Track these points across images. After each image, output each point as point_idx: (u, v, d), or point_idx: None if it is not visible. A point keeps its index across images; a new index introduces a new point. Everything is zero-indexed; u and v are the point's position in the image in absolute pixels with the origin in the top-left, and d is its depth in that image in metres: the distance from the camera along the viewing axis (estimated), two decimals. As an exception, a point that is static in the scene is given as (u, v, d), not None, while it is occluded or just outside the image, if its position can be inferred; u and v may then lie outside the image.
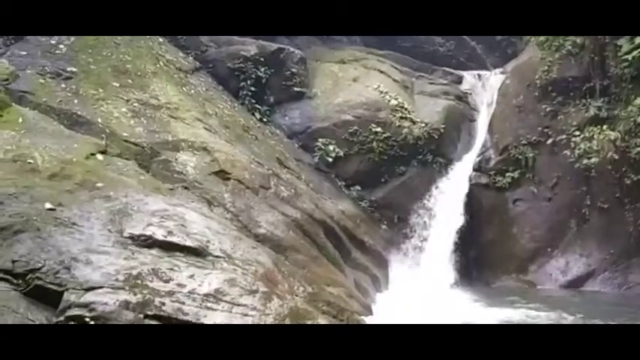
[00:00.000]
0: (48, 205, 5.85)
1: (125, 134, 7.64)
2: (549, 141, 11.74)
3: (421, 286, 10.56)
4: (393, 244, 11.61)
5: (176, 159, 7.92)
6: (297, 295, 7.05)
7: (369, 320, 7.88)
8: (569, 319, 8.48)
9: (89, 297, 5.28)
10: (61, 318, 5.12)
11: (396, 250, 11.55)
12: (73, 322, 5.10)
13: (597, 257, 11.47)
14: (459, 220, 11.54)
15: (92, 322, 5.12)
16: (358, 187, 11.79)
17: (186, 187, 7.70)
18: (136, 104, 8.14)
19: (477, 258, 11.91)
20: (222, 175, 8.26)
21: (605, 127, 10.87)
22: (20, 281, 5.19)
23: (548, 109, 11.81)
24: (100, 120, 7.60)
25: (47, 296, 5.19)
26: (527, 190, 11.92)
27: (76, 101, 7.60)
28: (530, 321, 8.47)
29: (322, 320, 6.70)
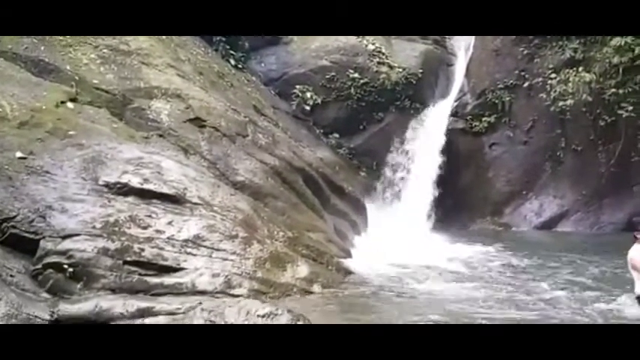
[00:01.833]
0: (19, 154, 5.73)
1: (95, 81, 7.42)
2: (526, 84, 11.77)
3: (399, 230, 10.72)
4: (372, 190, 11.71)
5: (149, 107, 7.74)
6: (276, 240, 7.12)
7: (348, 263, 8.00)
8: (523, 255, 8.79)
9: (66, 244, 5.27)
10: (39, 266, 5.12)
11: (375, 195, 11.66)
12: (51, 270, 5.11)
13: (570, 198, 11.75)
14: (436, 165, 11.64)
15: (71, 269, 5.13)
16: (336, 135, 11.76)
17: (161, 135, 7.57)
18: (105, 50, 7.87)
19: (454, 202, 12.08)
20: (198, 122, 8.13)
21: (580, 69, 10.92)
22: (-5, 231, 5.15)
23: (525, 52, 11.79)
24: (68, 67, 7.35)
25: (24, 245, 5.17)
26: (503, 135, 12.04)
27: (42, 48, 7.32)
28: (501, 255, 8.74)
29: (302, 263, 6.81)
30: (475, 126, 12.03)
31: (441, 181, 11.61)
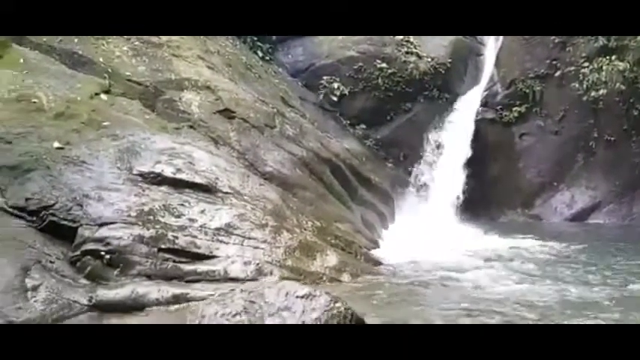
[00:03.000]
0: (56, 144, 5.86)
1: (128, 73, 7.55)
2: (557, 73, 11.55)
3: (427, 221, 10.67)
4: (399, 182, 11.66)
5: (180, 98, 7.84)
6: (305, 230, 7.16)
7: (376, 253, 8.01)
8: (572, 249, 8.62)
9: (103, 232, 5.38)
10: (77, 252, 5.24)
11: (402, 187, 11.61)
12: (89, 257, 5.23)
13: (603, 190, 11.53)
14: (464, 156, 11.53)
15: (108, 256, 5.24)
16: (363, 126, 11.72)
17: (191, 126, 7.67)
18: (137, 43, 7.99)
19: (483, 193, 11.95)
20: (227, 113, 8.21)
21: (613, 57, 10.67)
22: (34, 218, 5.28)
23: (556, 41, 11.55)
24: (101, 59, 7.48)
25: (62, 232, 5.29)
26: (533, 125, 11.85)
27: (76, 40, 7.46)
28: (534, 250, 8.62)
29: (330, 252, 6.84)
30: (505, 116, 11.86)
31: (470, 173, 11.50)
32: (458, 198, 11.50)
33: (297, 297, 2.73)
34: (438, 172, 11.74)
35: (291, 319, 2.63)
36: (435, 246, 8.65)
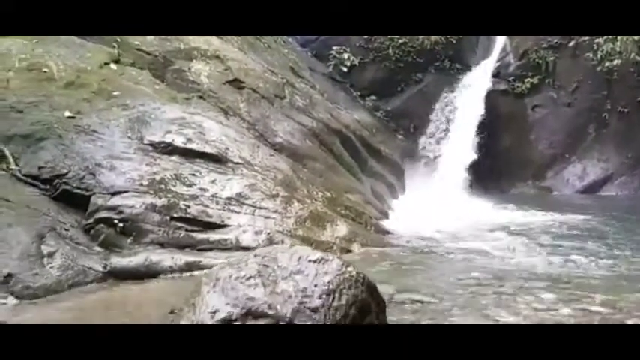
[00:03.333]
0: (67, 113, 5.88)
1: (137, 43, 7.51)
2: (571, 44, 11.38)
3: (436, 193, 10.67)
4: (409, 153, 11.64)
5: (189, 68, 7.81)
6: (316, 200, 7.19)
7: (386, 224, 8.03)
8: (580, 218, 8.59)
9: (116, 201, 5.43)
10: (91, 221, 5.30)
11: (412, 158, 11.60)
12: (102, 225, 5.29)
13: (615, 162, 11.44)
14: (475, 128, 11.45)
15: (121, 224, 5.30)
16: (374, 97, 11.65)
17: (201, 97, 7.65)
18: (146, 12, 7.93)
19: (494, 166, 11.92)
20: (237, 84, 8.17)
21: (630, 26, 10.44)
22: (48, 186, 5.34)
23: (571, 10, 11.31)
24: (110, 29, 7.45)
25: (76, 200, 5.34)
26: (546, 96, 11.72)
27: (85, 10, 7.42)
28: (543, 221, 8.61)
29: (341, 223, 6.86)
30: (517, 87, 11.74)
31: (481, 144, 11.45)
32: (468, 170, 11.47)
33: (309, 261, 2.74)
34: (448, 143, 11.69)
35: (303, 282, 2.66)
36: (444, 217, 8.66)
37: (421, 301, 4.20)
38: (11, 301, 4.23)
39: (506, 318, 3.79)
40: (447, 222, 8.40)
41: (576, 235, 7.53)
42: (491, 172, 12.05)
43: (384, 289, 4.25)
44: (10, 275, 4.31)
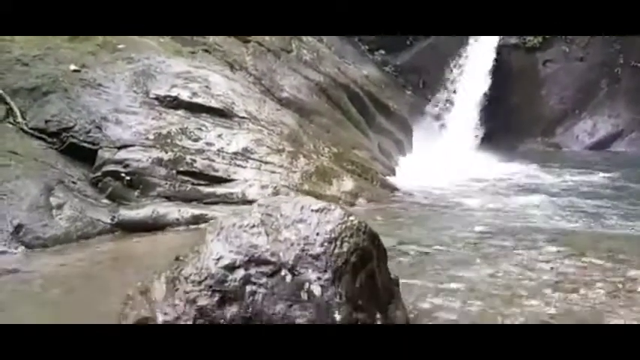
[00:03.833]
0: (73, 67, 5.86)
1: (141, -5, 7.40)
2: (585, -4, 11.04)
3: (445, 149, 10.61)
4: (418, 109, 11.51)
5: (195, 21, 7.70)
6: (322, 155, 7.19)
7: (392, 180, 8.03)
8: (590, 176, 8.55)
9: (122, 154, 5.47)
10: (98, 174, 5.37)
11: (421, 114, 11.47)
12: (109, 178, 5.35)
13: (626, 118, 11.29)
14: (485, 83, 11.27)
15: (128, 178, 5.36)
16: (382, 51, 11.45)
17: (206, 50, 7.55)
18: (149, -37, 7.77)
19: (503, 122, 11.77)
20: (242, 37, 8.05)
21: (647, -23, 10.11)
22: (55, 140, 5.38)
23: (587, -40, 10.95)
24: (114, -19, 7.32)
25: (82, 154, 5.40)
26: (558, 50, 11.46)
27: (87, -39, 7.28)
28: (550, 177, 8.59)
29: (347, 178, 6.89)
30: (529, 41, 11.47)
31: (491, 100, 11.28)
32: (477, 126, 11.37)
33: (312, 210, 2.77)
34: (457, 99, 11.54)
35: (306, 230, 2.69)
36: (451, 173, 8.64)
37: (422, 253, 4.26)
38: (22, 250, 4.33)
39: (505, 269, 3.83)
40: (453, 178, 8.39)
41: (584, 192, 7.51)
42: (501, 129, 11.91)
43: (388, 242, 4.29)
44: (20, 226, 4.40)
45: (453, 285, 3.55)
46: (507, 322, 2.99)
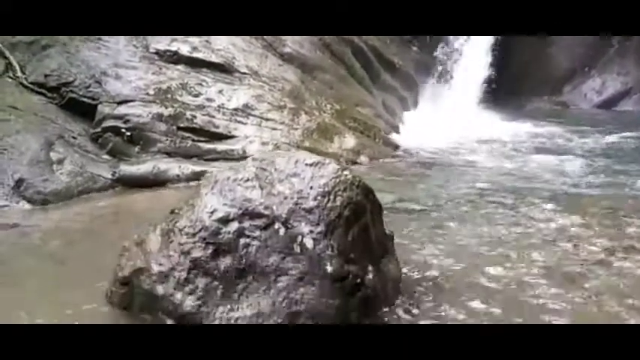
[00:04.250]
0: (70, 20, 5.77)
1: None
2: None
3: (450, 108, 10.49)
4: (424, 66, 11.30)
5: (195, -26, 7.53)
6: (324, 112, 7.13)
7: (396, 137, 7.98)
8: (594, 134, 8.46)
9: (122, 109, 5.45)
10: (98, 129, 5.36)
11: (427, 71, 11.28)
12: (110, 133, 5.35)
13: (635, 76, 11.06)
14: (492, 40, 11.02)
15: (128, 133, 5.35)
16: (388, 7, 11.19)
17: (208, 4, 7.42)
18: None
19: (510, 80, 11.55)
20: (245, -9, 7.89)
21: None
22: (55, 95, 5.35)
23: None
24: None
25: (82, 109, 5.38)
26: (569, 6, 11.16)
27: None
28: (555, 134, 8.51)
29: (349, 135, 6.85)
30: (539, -4, 11.17)
31: (498, 58, 11.05)
32: (483, 84, 11.18)
33: (306, 164, 2.76)
34: (463, 57, 11.31)
35: (299, 184, 2.69)
36: (455, 132, 8.56)
37: (420, 210, 4.27)
38: (23, 205, 4.37)
39: (502, 225, 3.84)
40: (457, 136, 8.33)
41: (593, 151, 7.43)
42: (507, 87, 11.69)
43: (386, 198, 4.32)
44: (21, 180, 4.43)
45: (448, 241, 3.57)
46: (497, 277, 3.02)
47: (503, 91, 11.60)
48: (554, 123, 9.37)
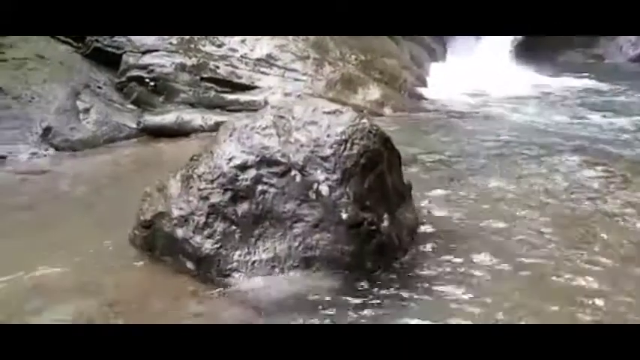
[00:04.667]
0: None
1: None
2: None
3: (478, 60, 10.22)
4: (453, 17, 10.97)
5: None
6: (348, 63, 7.04)
7: (422, 90, 7.85)
8: (625, 87, 8.17)
9: (147, 59, 5.48)
10: (123, 79, 5.42)
11: (456, 22, 10.95)
12: (134, 83, 5.40)
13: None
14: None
15: (152, 83, 5.40)
16: (418, -47, 10.79)
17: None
18: None
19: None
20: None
21: None
22: (80, 44, 5.40)
23: None
24: None
25: (107, 58, 5.43)
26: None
27: None
28: (587, 88, 8.26)
29: (373, 86, 6.77)
30: (577, -59, 10.61)
31: (531, 7, 10.64)
32: (513, 35, 10.81)
33: (323, 113, 2.76)
34: (495, 6, 10.93)
35: (316, 132, 2.70)
36: (484, 84, 8.37)
37: (442, 161, 4.24)
38: (52, 153, 4.49)
39: (523, 177, 3.80)
40: (485, 89, 8.14)
41: (621, 104, 7.21)
42: (541, 39, 11.33)
43: (409, 150, 4.31)
44: (49, 128, 4.54)
45: (468, 193, 3.55)
46: (513, 231, 3.01)
47: (534, 41, 11.23)
48: (587, 76, 9.07)
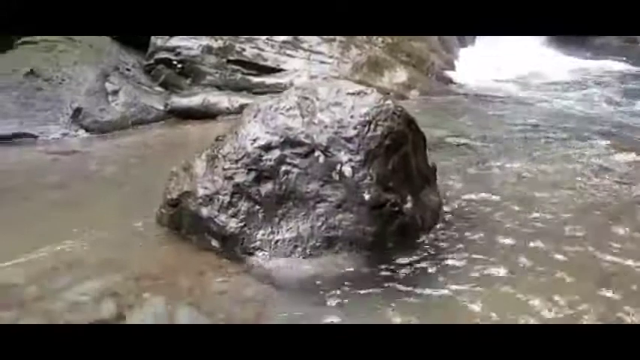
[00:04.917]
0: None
1: None
2: None
3: (511, 42, 10.01)
4: (483, -1, 10.75)
5: None
6: (375, 45, 6.99)
7: (450, 73, 7.75)
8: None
9: (174, 42, 5.53)
10: (151, 61, 5.49)
11: (486, 4, 10.73)
12: (162, 65, 5.47)
13: None
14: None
15: (179, 65, 5.46)
16: None
17: None
18: None
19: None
20: None
21: None
22: (109, 26, 5.47)
23: None
24: None
25: (135, 41, 5.49)
26: None
27: None
28: (621, 74, 8.03)
29: (400, 69, 6.71)
30: None
31: (564, -12, 10.34)
32: (547, 17, 10.54)
33: (347, 94, 2.76)
34: (527, -13, 10.67)
35: (340, 113, 2.70)
36: (514, 68, 8.22)
37: (468, 144, 4.20)
38: (82, 134, 4.59)
39: (549, 161, 3.74)
40: (515, 72, 8.00)
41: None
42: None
43: (435, 133, 4.28)
44: (79, 110, 4.63)
45: (494, 176, 3.53)
46: (537, 215, 2.98)
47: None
48: (621, 60, 8.82)
